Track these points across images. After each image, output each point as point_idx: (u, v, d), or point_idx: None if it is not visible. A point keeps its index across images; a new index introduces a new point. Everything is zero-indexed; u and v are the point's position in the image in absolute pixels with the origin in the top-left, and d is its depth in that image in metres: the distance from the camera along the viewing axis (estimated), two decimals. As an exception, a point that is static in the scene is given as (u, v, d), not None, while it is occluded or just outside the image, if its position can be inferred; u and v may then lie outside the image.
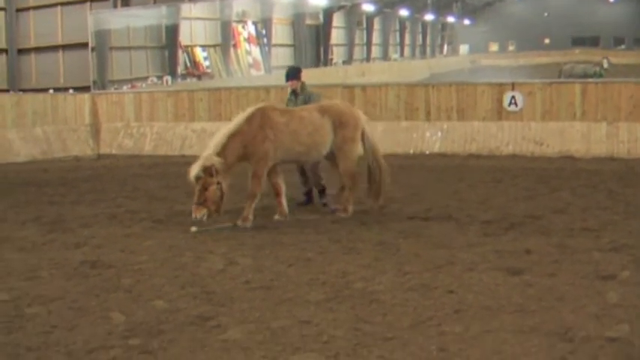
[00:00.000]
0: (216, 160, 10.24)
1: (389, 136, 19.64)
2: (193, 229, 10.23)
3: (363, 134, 11.29)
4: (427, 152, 19.88)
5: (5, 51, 35.94)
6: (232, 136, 10.50)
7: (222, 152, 10.37)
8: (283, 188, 11.15)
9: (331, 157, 11.29)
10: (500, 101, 19.82)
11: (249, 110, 10.88)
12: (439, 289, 7.10)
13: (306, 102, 11.88)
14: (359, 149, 11.33)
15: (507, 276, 7.51)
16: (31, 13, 35.94)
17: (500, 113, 19.92)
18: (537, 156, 18.66)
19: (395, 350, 5.56)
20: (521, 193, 13.12)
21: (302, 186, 12.27)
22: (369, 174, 11.37)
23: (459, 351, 5.53)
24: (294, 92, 12.24)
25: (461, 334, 5.87)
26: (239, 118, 10.76)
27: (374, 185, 11.37)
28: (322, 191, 12.11)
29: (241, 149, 10.55)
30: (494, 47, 25.89)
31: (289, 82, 12.24)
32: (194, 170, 10.17)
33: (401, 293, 6.99)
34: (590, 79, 20.00)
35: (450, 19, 28.36)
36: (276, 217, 11.04)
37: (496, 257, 8.36)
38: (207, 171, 10.15)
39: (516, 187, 13.99)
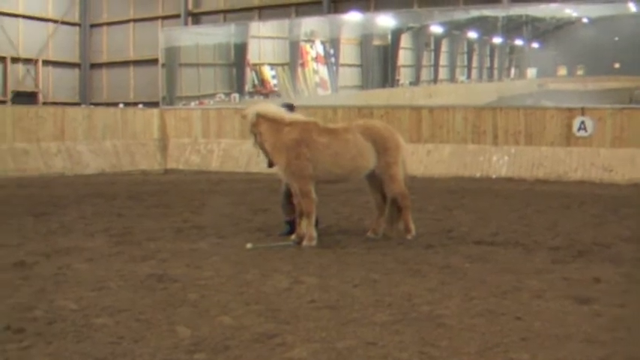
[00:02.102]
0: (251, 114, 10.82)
1: (456, 158, 19.54)
2: (249, 245, 10.30)
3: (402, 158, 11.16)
4: (494, 176, 19.71)
5: (78, 65, 36.69)
6: (272, 121, 10.67)
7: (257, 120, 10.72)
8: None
9: (371, 179, 11.09)
10: (569, 126, 19.62)
11: (298, 117, 10.96)
12: (506, 316, 6.98)
13: None
14: (401, 171, 11.07)
15: (576, 304, 7.37)
16: (105, 28, 36.66)
17: (569, 138, 19.71)
18: (606, 183, 18.38)
19: (461, 376, 5.49)
20: (590, 220, 12.91)
21: (284, 215, 11.53)
22: (393, 199, 11.06)
23: (527, 379, 5.44)
24: None
25: (528, 362, 5.77)
26: (291, 115, 10.91)
27: (393, 211, 11.10)
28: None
29: (270, 136, 10.65)
30: (562, 71, 25.53)
31: None
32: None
33: (467, 318, 6.90)
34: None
35: (519, 42, 28.07)
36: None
37: (564, 285, 8.21)
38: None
39: (584, 213, 13.78)
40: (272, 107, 11.19)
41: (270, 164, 11.09)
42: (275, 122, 10.69)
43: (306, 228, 10.56)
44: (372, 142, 10.77)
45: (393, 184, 10.89)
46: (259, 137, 10.80)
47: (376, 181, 11.05)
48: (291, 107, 11.76)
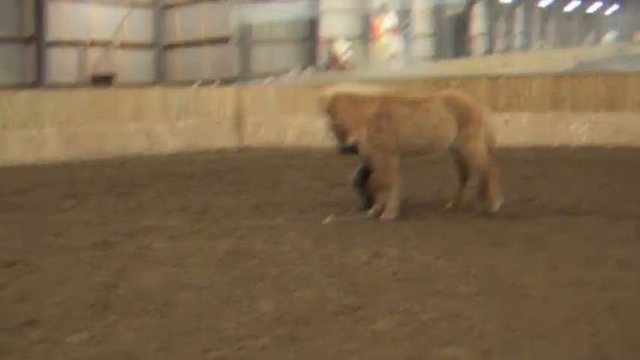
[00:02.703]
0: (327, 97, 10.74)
1: (533, 127, 19.19)
2: (327, 220, 10.27)
3: (486, 131, 10.73)
4: (573, 145, 19.28)
5: (153, 47, 37.11)
6: (350, 98, 10.57)
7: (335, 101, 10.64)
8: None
9: (455, 151, 10.73)
10: (651, 91, 19.03)
11: (379, 92, 10.83)
12: (592, 286, 6.82)
13: None
14: (483, 145, 10.61)
15: (663, 274, 7.16)
16: (177, 9, 36.97)
17: (651, 104, 19.12)
18: (692, 148, 17.81)
19: (547, 348, 5.37)
20: (677, 188, 12.53)
21: (357, 193, 11.28)
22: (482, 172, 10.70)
23: (614, 350, 5.29)
24: None
25: (615, 333, 5.61)
26: (370, 90, 10.81)
27: (482, 184, 10.66)
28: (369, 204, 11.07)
29: (350, 114, 10.55)
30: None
31: None
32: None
33: (552, 289, 6.76)
34: None
35: (595, 7, 27.35)
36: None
37: (651, 253, 7.99)
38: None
39: (671, 180, 13.38)
40: (348, 86, 11.12)
41: (342, 150, 10.99)
42: (354, 99, 10.59)
43: (388, 201, 10.45)
44: (454, 112, 10.45)
45: (474, 158, 10.54)
46: (337, 118, 10.67)
47: (459, 152, 10.75)
48: None
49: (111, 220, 11.00)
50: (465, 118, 10.45)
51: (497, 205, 10.42)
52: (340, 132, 10.72)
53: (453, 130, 10.46)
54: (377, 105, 10.48)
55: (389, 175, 10.47)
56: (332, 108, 10.67)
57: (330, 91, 10.86)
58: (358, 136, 10.54)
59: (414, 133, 10.43)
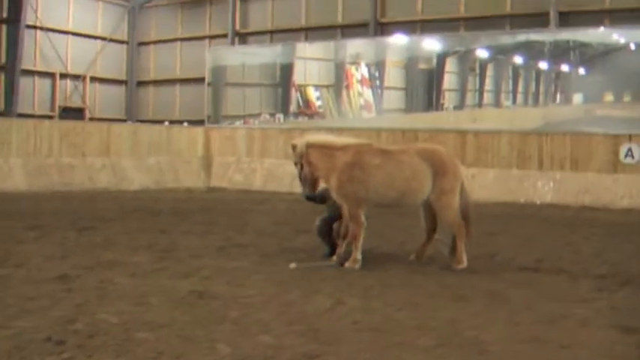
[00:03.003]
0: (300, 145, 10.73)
1: (500, 183, 19.39)
2: (292, 265, 10.26)
3: (461, 186, 10.68)
4: (538, 202, 19.50)
5: (125, 83, 37.13)
6: (324, 147, 10.60)
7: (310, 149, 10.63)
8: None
9: (425, 204, 10.64)
10: (616, 153, 19.38)
11: (353, 142, 10.89)
12: (552, 344, 6.85)
13: None
14: (457, 200, 10.55)
15: (622, 334, 7.21)
16: (152, 47, 37.08)
17: (615, 165, 19.45)
18: (654, 212, 18.09)
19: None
20: (637, 249, 12.69)
21: (321, 239, 11.35)
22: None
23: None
24: None
25: (575, 392, 5.65)
26: (345, 140, 10.86)
27: (453, 240, 10.62)
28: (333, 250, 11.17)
29: (323, 163, 10.55)
30: (609, 97, 25.25)
31: None
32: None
33: (512, 345, 6.78)
34: None
35: (565, 68, 27.84)
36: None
37: (611, 314, 8.06)
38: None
39: (632, 242, 13.56)
40: (322, 135, 11.20)
41: (309, 198, 11.00)
42: (327, 148, 10.61)
43: (353, 250, 10.46)
44: (429, 165, 10.39)
45: (446, 213, 10.48)
46: (308, 167, 10.67)
47: (430, 206, 10.65)
48: None
49: (74, 254, 10.91)
50: (440, 171, 10.39)
51: (461, 266, 10.35)
52: (311, 179, 10.75)
53: (427, 184, 10.39)
54: (350, 154, 10.49)
55: (356, 225, 10.47)
56: (305, 155, 10.70)
57: (303, 139, 10.92)
58: (329, 184, 10.58)
59: (385, 184, 10.41)
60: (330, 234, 11.09)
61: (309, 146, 10.66)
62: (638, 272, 10.52)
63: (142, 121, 33.69)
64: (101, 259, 10.56)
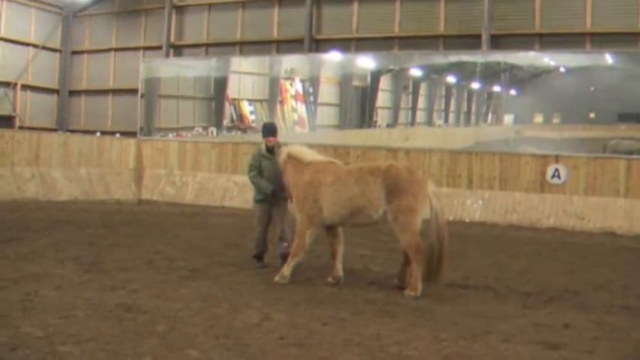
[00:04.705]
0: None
1: (430, 201, 19.56)
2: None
3: (432, 208, 10.05)
4: (467, 220, 19.78)
5: (57, 92, 36.60)
6: (296, 160, 10.93)
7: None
8: (340, 251, 10.75)
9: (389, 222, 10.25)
10: (543, 173, 19.77)
11: (319, 159, 10.97)
12: (475, 359, 6.99)
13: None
14: (418, 221, 10.03)
15: (545, 350, 7.40)
16: (86, 56, 36.63)
17: (542, 185, 19.85)
18: (578, 230, 18.51)
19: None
20: (561, 267, 12.97)
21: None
22: (430, 252, 10.01)
23: None
24: (268, 149, 11.66)
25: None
26: (314, 157, 11.01)
27: (432, 265, 9.99)
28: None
29: (292, 176, 10.89)
30: (538, 119, 25.75)
31: (269, 139, 11.67)
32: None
33: (436, 360, 6.91)
34: (636, 156, 19.79)
35: (497, 89, 28.32)
36: (329, 279, 10.68)
37: (534, 330, 8.25)
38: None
39: (556, 260, 13.85)
40: (300, 149, 11.33)
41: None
42: (298, 162, 10.87)
43: (286, 265, 10.61)
44: (381, 183, 10.06)
45: (403, 234, 10.00)
46: (285, 176, 11.05)
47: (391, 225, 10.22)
48: (276, 127, 12.11)
49: (-2, 265, 10.75)
50: (394, 190, 10.00)
51: (413, 294, 9.85)
52: (286, 184, 11.13)
53: (376, 202, 10.10)
54: (309, 172, 10.63)
55: (299, 243, 10.58)
56: (284, 163, 11.07)
57: (287, 148, 11.26)
58: (293, 197, 10.85)
59: (335, 203, 10.33)
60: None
61: (289, 156, 11.00)
62: (561, 290, 10.76)
63: (73, 131, 33.15)
64: (27, 270, 10.43)
